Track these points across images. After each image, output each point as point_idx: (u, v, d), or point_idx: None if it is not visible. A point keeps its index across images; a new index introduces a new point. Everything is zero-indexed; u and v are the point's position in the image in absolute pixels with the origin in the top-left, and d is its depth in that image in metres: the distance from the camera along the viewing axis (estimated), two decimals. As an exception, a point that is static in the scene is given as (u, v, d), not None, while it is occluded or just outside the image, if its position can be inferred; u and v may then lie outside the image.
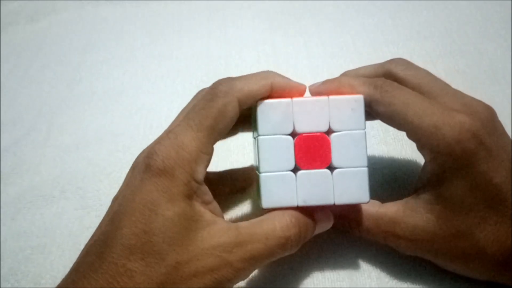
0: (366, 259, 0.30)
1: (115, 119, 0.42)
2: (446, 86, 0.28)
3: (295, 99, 0.26)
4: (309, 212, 0.26)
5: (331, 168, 0.26)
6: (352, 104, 0.26)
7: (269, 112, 0.26)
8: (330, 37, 0.47)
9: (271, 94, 0.26)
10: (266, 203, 0.26)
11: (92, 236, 0.25)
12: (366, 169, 0.26)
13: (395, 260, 0.30)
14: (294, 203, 0.26)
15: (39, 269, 0.32)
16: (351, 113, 0.26)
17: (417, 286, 0.28)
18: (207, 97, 0.25)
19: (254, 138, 0.28)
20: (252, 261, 0.24)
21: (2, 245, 0.34)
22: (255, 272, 0.30)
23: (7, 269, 0.32)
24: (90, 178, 0.37)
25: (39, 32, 0.53)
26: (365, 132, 0.26)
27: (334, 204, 0.26)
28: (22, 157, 0.40)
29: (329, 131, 0.26)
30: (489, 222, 0.25)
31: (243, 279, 0.25)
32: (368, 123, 0.37)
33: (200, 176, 0.25)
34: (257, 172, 0.28)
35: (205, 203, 0.25)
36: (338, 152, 0.26)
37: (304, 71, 0.44)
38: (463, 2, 0.49)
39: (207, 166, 0.25)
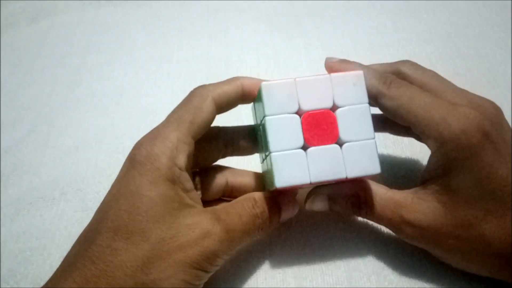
0: (365, 262, 0.30)
1: (115, 120, 0.42)
2: (452, 85, 0.29)
3: (298, 78, 0.27)
4: (273, 197, 0.28)
5: (340, 143, 0.26)
6: (353, 79, 0.27)
7: (273, 92, 0.27)
8: (330, 40, 0.47)
9: (244, 94, 0.28)
10: (279, 182, 0.26)
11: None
12: (374, 140, 0.26)
13: (394, 262, 0.30)
14: (307, 180, 0.26)
15: (38, 270, 0.32)
16: (353, 88, 0.27)
17: (417, 289, 0.28)
18: (185, 99, 0.28)
19: (259, 124, 0.28)
20: (232, 233, 0.26)
21: (1, 246, 0.34)
22: (254, 273, 0.30)
23: (6, 270, 0.32)
24: (90, 180, 0.37)
25: (39, 34, 0.53)
26: (369, 105, 0.27)
27: (346, 178, 0.26)
28: (22, 159, 0.40)
29: (334, 107, 0.27)
30: (495, 214, 0.25)
31: (226, 255, 0.26)
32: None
33: (182, 163, 0.26)
34: (262, 158, 0.29)
35: (186, 190, 0.26)
36: (345, 126, 0.26)
37: (304, 73, 0.44)
38: (463, 5, 0.49)
39: (189, 156, 0.27)
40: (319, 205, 0.29)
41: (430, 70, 0.29)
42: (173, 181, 0.25)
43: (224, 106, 0.28)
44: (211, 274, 0.26)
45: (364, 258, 0.30)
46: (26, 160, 0.40)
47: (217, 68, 0.46)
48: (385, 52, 0.45)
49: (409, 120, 0.26)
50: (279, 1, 0.53)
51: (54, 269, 0.32)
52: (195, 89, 0.28)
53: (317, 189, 0.29)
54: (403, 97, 0.26)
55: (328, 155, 0.26)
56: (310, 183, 0.26)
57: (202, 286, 0.26)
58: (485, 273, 0.27)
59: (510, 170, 0.25)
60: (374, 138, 0.26)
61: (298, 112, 0.27)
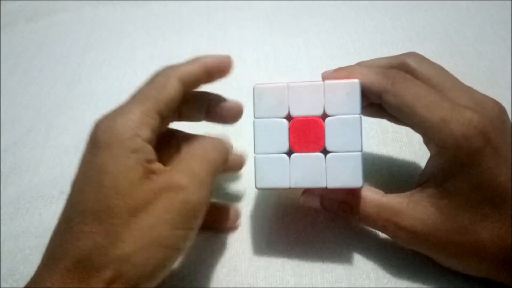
0: (365, 260, 0.30)
1: (114, 119, 0.42)
2: (458, 81, 0.28)
3: (290, 83, 0.27)
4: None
5: (325, 152, 0.26)
6: (347, 88, 0.26)
7: (264, 95, 0.27)
8: (330, 38, 0.47)
9: (208, 72, 0.28)
10: (259, 183, 0.27)
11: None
12: (360, 153, 0.26)
13: (393, 261, 0.30)
14: (286, 185, 0.26)
15: (37, 269, 0.32)
16: (346, 98, 0.26)
17: (415, 286, 0.28)
18: (149, 78, 0.28)
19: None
20: (199, 175, 0.25)
21: (1, 245, 0.34)
22: (253, 271, 0.30)
23: (5, 269, 0.32)
24: (89, 179, 0.37)
25: (38, 32, 0.53)
26: (361, 116, 0.26)
27: (326, 187, 0.26)
28: (21, 158, 0.40)
29: (324, 115, 0.26)
30: (491, 219, 0.25)
31: (202, 203, 0.25)
32: (367, 124, 0.37)
33: (145, 135, 0.25)
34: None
35: (149, 160, 0.25)
36: (332, 136, 0.26)
37: (304, 71, 0.44)
38: (463, 3, 0.49)
39: (153, 130, 0.26)
40: (311, 202, 0.29)
41: (436, 64, 0.29)
42: (136, 151, 0.25)
43: (190, 84, 0.28)
44: (195, 231, 0.25)
45: (363, 256, 0.30)
46: (25, 159, 0.39)
47: (216, 67, 0.46)
48: (385, 51, 0.45)
49: (412, 119, 0.26)
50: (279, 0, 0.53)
51: (53, 268, 0.32)
52: (159, 69, 0.28)
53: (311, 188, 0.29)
54: (407, 95, 0.26)
55: (311, 163, 0.26)
56: (290, 188, 0.26)
57: (188, 245, 0.25)
58: (482, 275, 0.27)
59: (510, 176, 0.25)
60: (361, 151, 0.26)
61: (287, 117, 0.27)
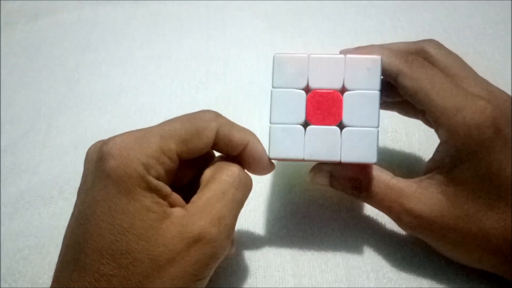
0: (365, 259, 0.30)
1: (113, 119, 0.42)
2: (474, 72, 0.29)
3: (311, 54, 0.27)
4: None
5: (341, 126, 0.26)
6: (368, 63, 0.26)
7: (284, 65, 0.27)
8: (329, 38, 0.47)
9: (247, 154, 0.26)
10: (273, 153, 0.27)
11: (65, 237, 0.25)
12: (376, 129, 0.26)
13: (393, 261, 0.30)
14: (300, 156, 0.26)
15: (36, 269, 0.32)
16: (366, 73, 0.26)
17: (415, 286, 0.28)
18: (189, 115, 0.26)
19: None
20: (222, 220, 0.23)
21: (0, 245, 0.34)
22: (253, 272, 0.30)
23: (5, 269, 0.32)
24: (89, 179, 0.37)
25: (38, 32, 0.52)
26: (380, 92, 0.26)
27: (340, 161, 0.26)
28: (21, 157, 0.40)
29: (343, 89, 0.26)
30: (497, 210, 0.25)
31: (224, 250, 0.24)
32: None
33: (159, 171, 0.24)
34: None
35: (167, 201, 0.24)
36: (349, 110, 0.26)
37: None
38: (462, 3, 0.49)
39: (169, 171, 0.25)
40: (320, 180, 0.29)
41: (454, 54, 0.29)
42: (151, 189, 0.23)
43: (220, 146, 0.26)
44: (213, 271, 0.25)
45: (363, 256, 0.30)
46: (25, 159, 0.39)
47: (216, 67, 0.46)
48: (384, 51, 0.45)
49: (425, 104, 0.26)
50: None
51: (53, 268, 0.31)
52: (205, 112, 0.26)
53: (321, 165, 0.29)
54: (424, 80, 0.26)
55: (326, 136, 0.26)
56: (303, 160, 0.26)
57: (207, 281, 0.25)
58: (483, 267, 0.27)
59: None
60: (377, 127, 0.26)
61: (306, 89, 0.27)
